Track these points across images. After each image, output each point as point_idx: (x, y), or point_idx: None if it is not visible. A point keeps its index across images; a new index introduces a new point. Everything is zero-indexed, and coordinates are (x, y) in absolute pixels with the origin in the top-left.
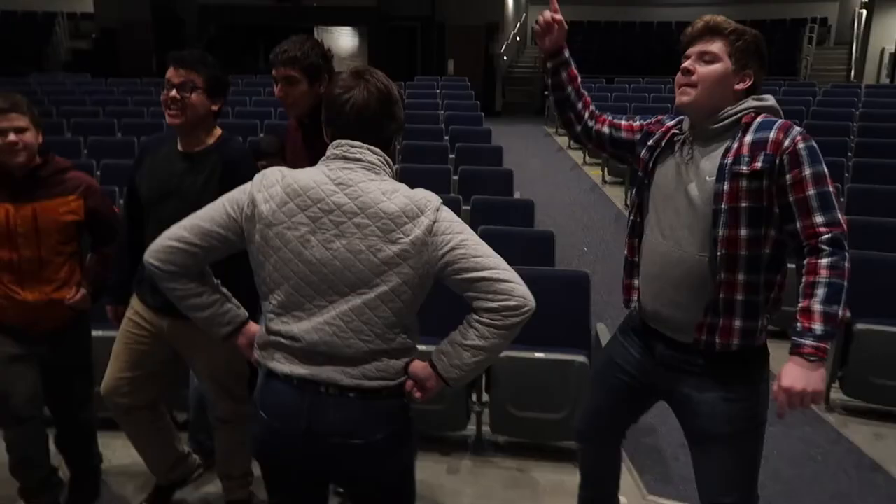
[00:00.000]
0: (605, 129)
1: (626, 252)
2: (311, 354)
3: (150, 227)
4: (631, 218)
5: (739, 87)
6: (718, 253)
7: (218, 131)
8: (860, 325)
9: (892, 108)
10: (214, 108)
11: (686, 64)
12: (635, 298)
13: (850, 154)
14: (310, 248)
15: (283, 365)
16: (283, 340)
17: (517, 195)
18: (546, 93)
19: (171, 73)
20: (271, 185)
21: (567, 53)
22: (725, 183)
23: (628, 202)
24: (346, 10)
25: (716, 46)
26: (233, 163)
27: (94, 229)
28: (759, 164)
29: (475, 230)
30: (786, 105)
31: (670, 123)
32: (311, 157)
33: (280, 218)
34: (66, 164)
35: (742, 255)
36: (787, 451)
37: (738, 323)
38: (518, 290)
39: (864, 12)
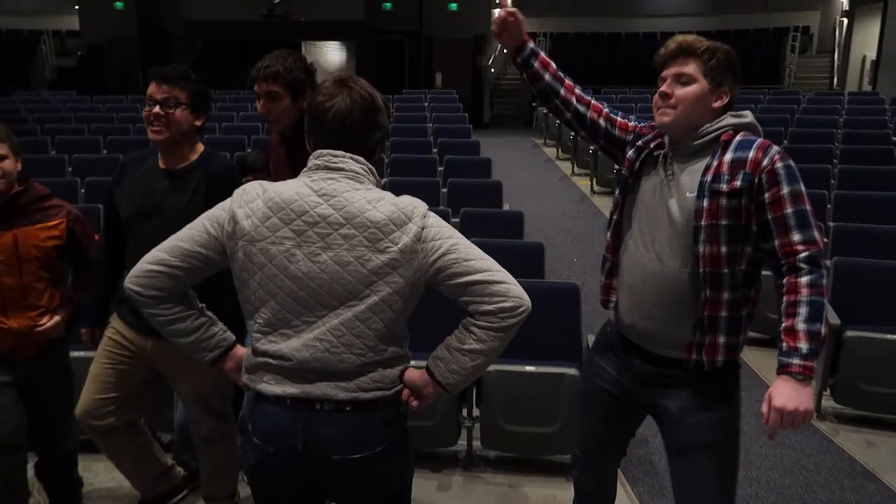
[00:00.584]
0: (601, 122)
1: (605, 251)
2: (303, 372)
3: (130, 247)
4: (614, 216)
5: (717, 104)
6: (701, 270)
7: (200, 147)
8: (850, 333)
9: (874, 114)
10: (198, 123)
11: (663, 88)
12: (614, 299)
13: (835, 161)
14: (295, 262)
15: (273, 386)
16: (271, 361)
17: (506, 207)
18: (534, 104)
19: (153, 88)
20: (252, 199)
21: (532, 44)
22: (705, 200)
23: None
24: (334, 25)
25: (691, 67)
26: (217, 179)
27: (74, 256)
28: (738, 183)
29: None
30: (771, 113)
31: (656, 132)
32: (293, 171)
33: (263, 233)
34: (46, 192)
35: (724, 273)
36: (779, 461)
37: (722, 339)
38: (513, 290)
39: (845, 20)
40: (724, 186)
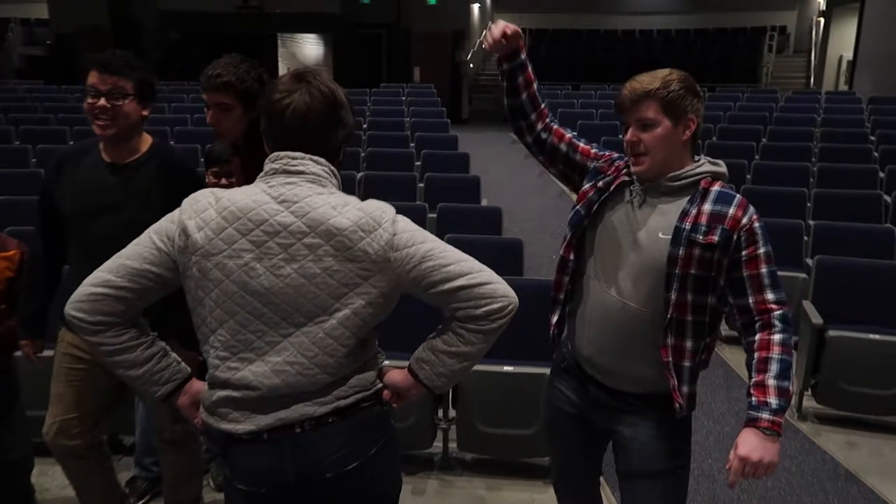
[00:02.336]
0: (562, 147)
1: (553, 290)
2: (273, 400)
3: (75, 249)
4: (563, 255)
5: (686, 136)
6: (668, 316)
7: (149, 138)
8: (832, 332)
9: (851, 113)
10: (145, 113)
11: (629, 137)
12: (560, 332)
13: (813, 159)
14: (256, 276)
15: (242, 424)
16: (234, 393)
17: (484, 202)
18: None
19: (95, 78)
20: (203, 209)
21: (524, 55)
22: (681, 248)
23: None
24: (310, 17)
25: (650, 110)
26: (178, 170)
27: (16, 290)
28: (715, 238)
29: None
30: (749, 111)
31: (620, 164)
32: (250, 180)
33: (218, 246)
34: None
35: (689, 321)
36: None
37: (685, 388)
38: (499, 289)
39: (822, 20)
40: (700, 238)
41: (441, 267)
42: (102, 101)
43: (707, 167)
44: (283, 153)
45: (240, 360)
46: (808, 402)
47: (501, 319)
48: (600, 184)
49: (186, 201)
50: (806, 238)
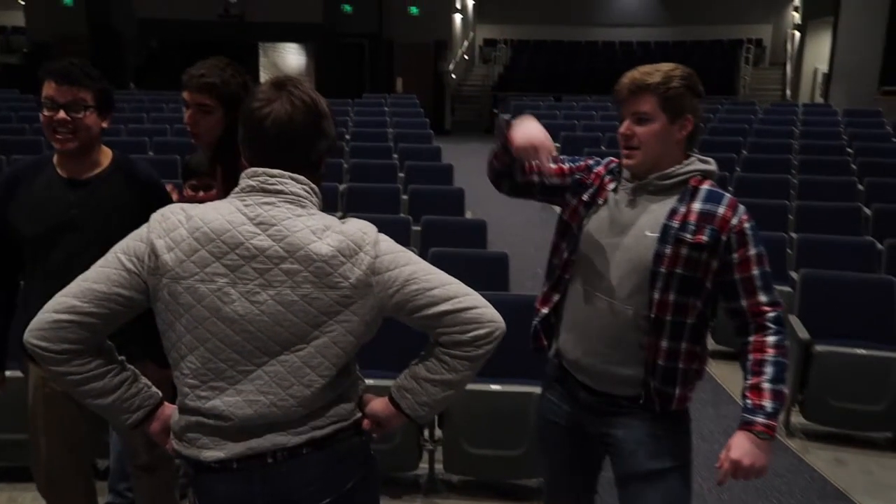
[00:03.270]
0: (535, 178)
1: (538, 304)
2: (245, 430)
3: (33, 273)
4: (560, 274)
5: (681, 134)
6: (651, 315)
7: (108, 150)
8: (819, 347)
9: (829, 125)
10: (105, 125)
11: (623, 129)
12: (546, 344)
13: (793, 171)
14: (230, 302)
15: (212, 450)
16: (207, 420)
17: (468, 215)
18: (495, 111)
19: (52, 90)
20: (173, 228)
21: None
22: (668, 247)
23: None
24: (292, 26)
25: (647, 105)
26: (146, 185)
27: None
28: (703, 238)
29: (425, 252)
30: (728, 123)
31: (601, 168)
32: (229, 187)
33: (190, 269)
34: None
35: (668, 321)
36: (751, 482)
37: (658, 386)
38: (486, 314)
39: (797, 33)
40: (688, 237)
41: (426, 291)
42: (62, 114)
43: (697, 165)
44: (260, 169)
45: (210, 388)
46: (796, 419)
47: (488, 345)
48: (586, 197)
49: (154, 217)
50: (789, 251)
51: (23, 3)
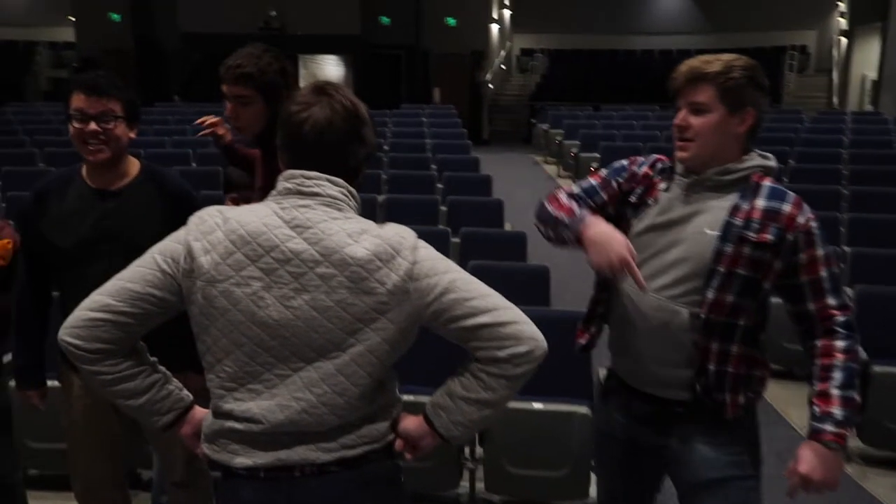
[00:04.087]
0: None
1: (594, 301)
2: (276, 437)
3: (71, 283)
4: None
5: (741, 128)
6: (702, 315)
7: (136, 160)
8: (878, 368)
9: (880, 134)
10: (132, 135)
11: (678, 120)
12: (582, 342)
13: (843, 182)
14: (265, 307)
15: (241, 457)
16: (236, 425)
17: (507, 226)
18: (533, 121)
19: (82, 101)
20: (210, 230)
21: None
22: (729, 245)
23: None
24: (331, 39)
25: (704, 95)
26: (177, 193)
27: (8, 276)
28: (768, 237)
29: (464, 265)
30: (774, 132)
31: (646, 169)
32: (267, 181)
33: (225, 272)
34: None
35: (721, 322)
36: None
37: (728, 397)
38: (526, 331)
39: (844, 40)
40: (752, 235)
41: (464, 301)
42: (93, 125)
43: (758, 160)
44: (297, 171)
45: (247, 391)
46: (854, 443)
47: (527, 364)
48: (633, 199)
49: (192, 220)
50: (842, 265)
51: (73, 19)
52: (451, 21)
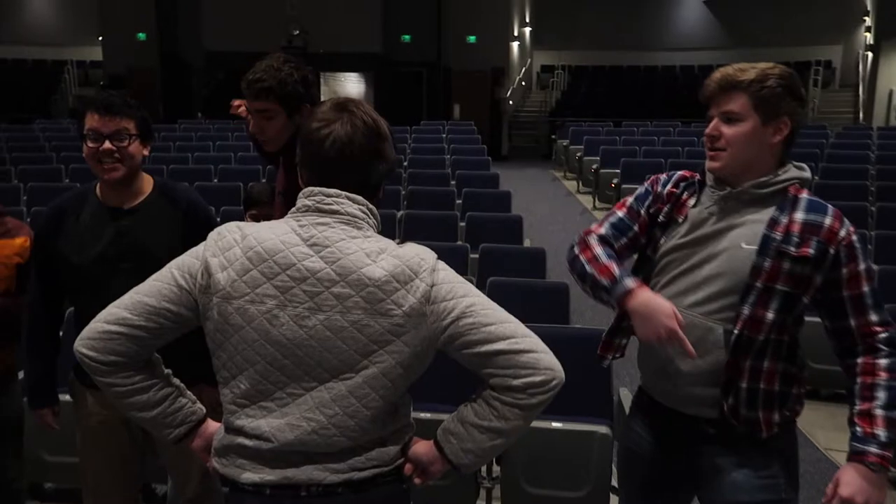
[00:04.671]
0: (625, 252)
1: (619, 317)
2: (285, 455)
3: (87, 304)
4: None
5: (776, 139)
6: (735, 331)
7: (149, 177)
8: None
9: None
10: (146, 153)
11: (709, 130)
12: (609, 357)
13: (871, 199)
14: (279, 325)
15: (249, 472)
16: (246, 442)
17: (527, 243)
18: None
19: (96, 121)
20: (229, 246)
21: None
22: (768, 260)
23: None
24: (353, 57)
25: (737, 103)
26: (190, 205)
27: (25, 275)
28: (809, 251)
29: (483, 281)
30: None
31: (670, 188)
32: (289, 197)
33: (241, 289)
34: (1, 208)
35: (759, 340)
36: None
37: (761, 414)
38: (543, 360)
39: (870, 54)
40: (792, 249)
41: (481, 326)
42: (108, 144)
43: (794, 172)
44: (317, 189)
45: (259, 408)
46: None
47: (542, 395)
48: (661, 218)
49: (211, 236)
50: None
51: (100, 38)
52: (472, 38)
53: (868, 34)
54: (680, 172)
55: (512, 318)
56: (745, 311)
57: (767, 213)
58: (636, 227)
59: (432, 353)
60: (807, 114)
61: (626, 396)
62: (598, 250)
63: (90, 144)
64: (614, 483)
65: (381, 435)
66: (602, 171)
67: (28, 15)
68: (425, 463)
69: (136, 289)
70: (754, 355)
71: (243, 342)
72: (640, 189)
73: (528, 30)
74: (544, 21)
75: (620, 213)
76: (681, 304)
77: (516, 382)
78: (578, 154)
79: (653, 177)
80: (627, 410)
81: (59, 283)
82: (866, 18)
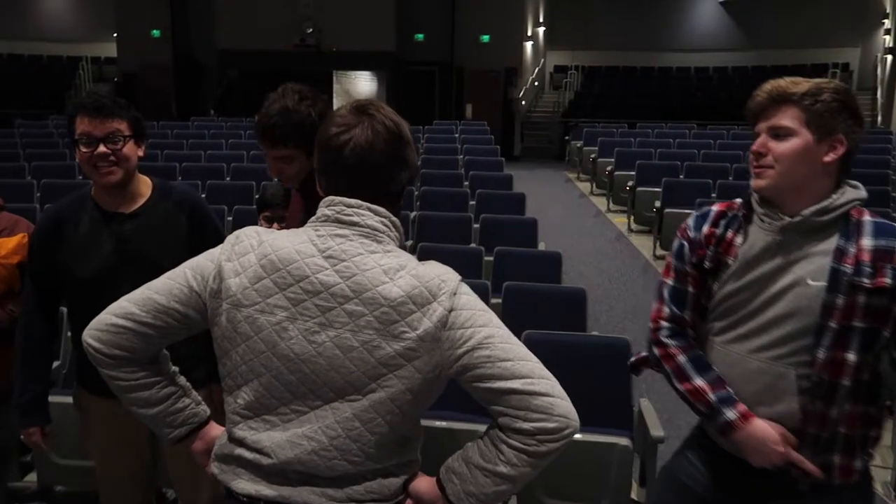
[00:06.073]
0: (695, 317)
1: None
2: (283, 473)
3: (90, 314)
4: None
5: (830, 158)
6: (815, 377)
7: (147, 179)
8: None
9: None
10: (141, 154)
11: (756, 146)
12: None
13: (892, 204)
14: (287, 339)
15: (246, 483)
16: (246, 454)
17: (541, 246)
18: (567, 138)
19: (87, 125)
20: (244, 252)
21: None
22: (840, 296)
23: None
24: (365, 55)
25: (788, 118)
26: (192, 204)
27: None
28: (886, 280)
29: (498, 285)
30: None
31: (707, 229)
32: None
33: (252, 297)
34: (1, 203)
35: (843, 385)
36: None
37: (836, 459)
38: (558, 406)
39: (889, 57)
40: (866, 281)
41: (498, 360)
42: (102, 148)
43: (852, 193)
44: (338, 198)
45: (262, 421)
46: None
47: (553, 443)
48: (707, 265)
49: (229, 239)
50: None
51: (115, 35)
52: (485, 38)
53: (887, 37)
54: (714, 208)
55: (532, 356)
56: (822, 354)
57: (831, 242)
58: (692, 289)
59: (444, 382)
60: (861, 133)
61: (646, 407)
62: (681, 359)
63: (83, 149)
64: (634, 496)
65: (385, 465)
66: (617, 173)
67: (44, 11)
68: (425, 501)
69: (148, 284)
70: (834, 400)
71: (250, 352)
72: (675, 244)
73: (541, 30)
74: (558, 21)
75: (670, 282)
76: (745, 349)
77: (527, 426)
78: (593, 156)
79: (681, 225)
80: (647, 421)
81: (56, 295)
82: (885, 21)
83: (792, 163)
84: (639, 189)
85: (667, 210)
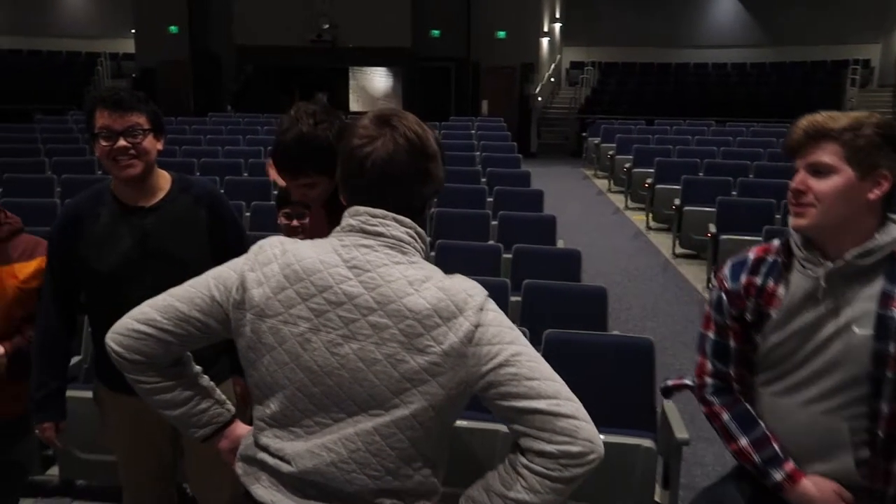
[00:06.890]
0: (740, 371)
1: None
2: (302, 484)
3: (111, 309)
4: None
5: (874, 195)
6: (878, 432)
7: (166, 173)
8: None
9: None
10: (160, 147)
11: (795, 184)
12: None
13: None
14: (310, 350)
15: (266, 490)
16: (268, 460)
17: (560, 243)
18: (584, 134)
19: (107, 119)
20: (267, 262)
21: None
22: (892, 343)
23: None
24: (381, 51)
25: (827, 154)
26: (211, 198)
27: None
28: None
29: (517, 283)
30: None
31: (745, 279)
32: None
33: (275, 308)
34: (19, 225)
35: None
36: None
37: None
38: (584, 430)
39: None
40: None
41: (524, 379)
42: (122, 142)
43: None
44: (363, 209)
45: (287, 431)
46: None
47: (577, 468)
48: (749, 317)
49: (253, 249)
50: None
51: (133, 31)
52: (502, 34)
53: None
54: (751, 255)
55: (557, 377)
56: (885, 408)
57: (876, 285)
58: (734, 343)
59: (467, 398)
60: None
61: (670, 409)
62: (725, 417)
63: (103, 143)
64: (657, 499)
65: (404, 485)
66: (635, 170)
67: (63, 8)
68: None
69: (170, 291)
70: None
71: (274, 363)
72: (713, 295)
73: (557, 26)
74: (574, 17)
75: (711, 335)
76: (795, 402)
77: (550, 448)
78: (610, 153)
79: (718, 275)
80: (672, 423)
81: (74, 291)
82: None
83: (834, 201)
84: (658, 186)
85: (686, 208)
